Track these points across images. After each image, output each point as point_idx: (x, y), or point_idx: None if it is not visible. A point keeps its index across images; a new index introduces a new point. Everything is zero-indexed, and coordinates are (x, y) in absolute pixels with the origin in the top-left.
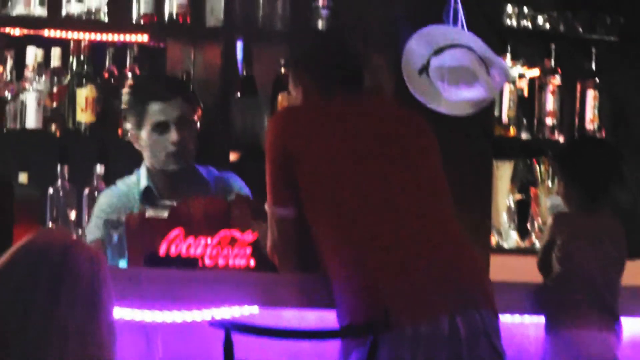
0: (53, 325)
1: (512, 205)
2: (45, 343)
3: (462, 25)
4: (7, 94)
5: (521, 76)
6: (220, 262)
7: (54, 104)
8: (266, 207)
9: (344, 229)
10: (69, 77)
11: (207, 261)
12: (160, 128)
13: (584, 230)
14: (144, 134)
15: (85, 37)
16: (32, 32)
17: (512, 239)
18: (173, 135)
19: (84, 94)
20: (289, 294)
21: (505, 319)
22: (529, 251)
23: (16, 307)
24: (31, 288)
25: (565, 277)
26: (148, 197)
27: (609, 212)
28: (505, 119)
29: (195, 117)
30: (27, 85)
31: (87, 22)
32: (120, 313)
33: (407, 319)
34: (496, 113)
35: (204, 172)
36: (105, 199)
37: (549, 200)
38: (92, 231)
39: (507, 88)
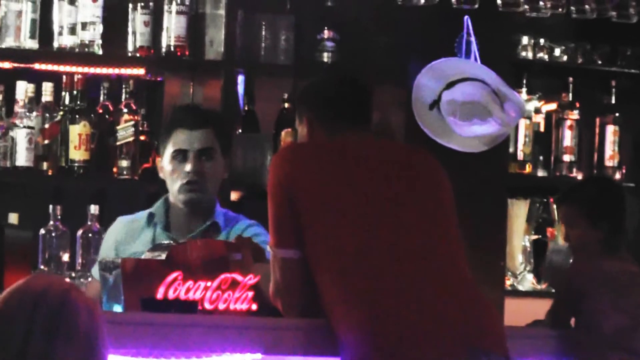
0: None
1: (528, 245)
2: None
3: (475, 58)
4: None
5: (537, 111)
6: (221, 306)
7: (46, 141)
8: (268, 248)
9: (348, 273)
10: (61, 112)
11: (207, 305)
12: (180, 156)
13: (611, 276)
14: (165, 161)
15: (79, 70)
16: (22, 65)
17: (528, 281)
18: (189, 164)
19: (78, 130)
20: (293, 340)
21: None
22: (546, 294)
23: (10, 352)
24: (26, 333)
25: (594, 327)
26: (150, 223)
27: (629, 255)
28: (520, 155)
29: (222, 152)
30: (17, 121)
31: (81, 55)
32: None
33: None
34: (511, 149)
35: (220, 215)
36: (111, 234)
37: (551, 245)
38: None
39: (523, 123)
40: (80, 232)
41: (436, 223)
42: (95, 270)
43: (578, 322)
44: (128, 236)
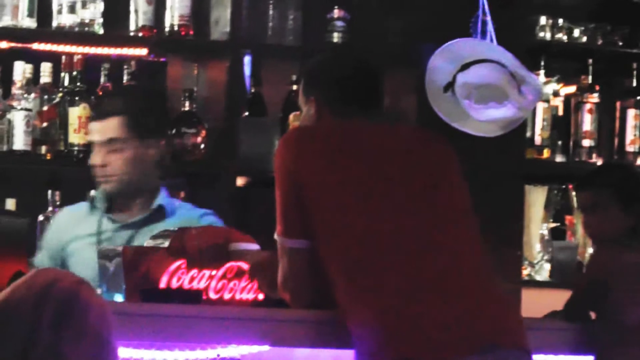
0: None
1: (546, 234)
2: None
3: (491, 39)
4: None
5: (556, 94)
6: (226, 295)
7: (44, 124)
8: (275, 237)
9: (361, 265)
10: (60, 94)
11: (212, 295)
12: (93, 148)
13: (634, 268)
14: None
15: (78, 50)
16: (20, 45)
17: (545, 270)
18: (95, 156)
19: (77, 113)
20: (301, 331)
21: (537, 358)
22: (564, 284)
23: (15, 346)
24: (31, 326)
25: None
26: (92, 208)
27: None
28: (538, 140)
29: (139, 137)
30: (14, 103)
31: (80, 34)
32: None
33: (431, 358)
34: (528, 134)
35: (167, 200)
36: (53, 223)
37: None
38: (40, 261)
39: (541, 107)
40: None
41: (452, 214)
42: (39, 259)
43: (598, 316)
44: (70, 222)
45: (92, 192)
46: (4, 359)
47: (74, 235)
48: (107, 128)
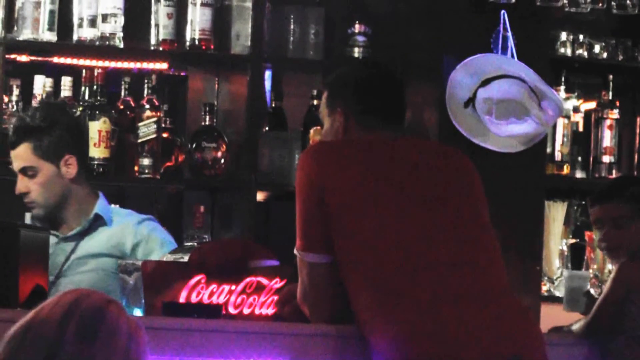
0: None
1: (565, 249)
2: None
3: (512, 54)
4: None
5: (576, 109)
6: (246, 310)
7: None
8: (295, 252)
9: (381, 280)
10: (80, 108)
11: (231, 310)
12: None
13: None
14: None
15: (99, 64)
16: (40, 59)
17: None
18: (17, 185)
19: (97, 126)
20: (321, 347)
21: None
22: None
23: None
24: (56, 340)
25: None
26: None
27: None
28: (558, 156)
29: (48, 160)
30: None
31: (101, 48)
32: None
33: None
34: (548, 150)
35: (105, 208)
36: None
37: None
38: None
39: (561, 122)
40: None
41: (472, 229)
42: None
43: (617, 331)
44: None
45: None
46: None
47: None
48: (19, 156)
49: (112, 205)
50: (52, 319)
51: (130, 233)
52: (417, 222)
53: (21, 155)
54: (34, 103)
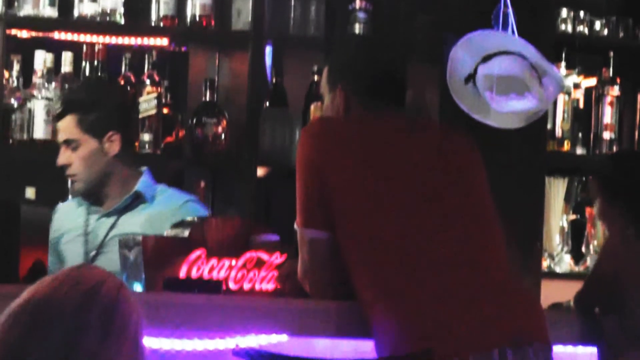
0: None
1: (566, 226)
2: None
3: (513, 31)
4: (14, 102)
5: (576, 86)
6: (246, 286)
7: None
8: (295, 227)
9: (383, 258)
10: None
11: (232, 285)
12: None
13: None
14: None
15: (100, 40)
16: (41, 34)
17: (565, 263)
18: (59, 157)
19: None
20: (321, 322)
21: (558, 349)
22: (584, 276)
23: (59, 344)
24: (77, 329)
25: (626, 307)
26: (80, 201)
27: None
28: (558, 132)
29: (92, 134)
30: (35, 92)
31: (102, 24)
32: None
33: (453, 352)
34: (549, 126)
35: (148, 186)
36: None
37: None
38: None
39: (561, 99)
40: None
41: (474, 210)
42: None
43: (608, 309)
44: (61, 218)
45: None
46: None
47: (65, 229)
48: (63, 128)
49: (159, 184)
50: (72, 301)
51: (170, 214)
52: (420, 204)
53: (65, 127)
54: (35, 79)
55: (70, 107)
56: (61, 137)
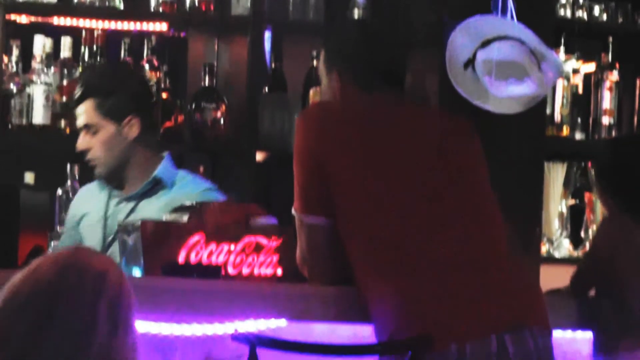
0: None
1: (565, 211)
2: None
3: (512, 16)
4: (13, 87)
5: (575, 71)
6: (245, 270)
7: (64, 99)
8: (293, 212)
9: (380, 243)
10: (80, 69)
11: (230, 270)
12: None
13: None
14: None
15: (99, 25)
16: (40, 19)
17: (564, 247)
18: (78, 142)
19: None
20: (319, 306)
21: (556, 334)
22: None
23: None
24: (91, 320)
25: (620, 292)
26: (102, 185)
27: None
28: (557, 117)
29: (111, 119)
30: (34, 77)
31: (101, 9)
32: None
33: (451, 337)
34: (548, 111)
35: (167, 172)
36: (72, 203)
37: None
38: (62, 242)
39: (560, 84)
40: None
41: (474, 195)
42: (62, 240)
43: (601, 293)
44: (82, 201)
45: None
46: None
47: (84, 212)
48: (82, 113)
49: (180, 170)
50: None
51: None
52: (418, 187)
53: (84, 112)
54: (34, 64)
55: (89, 91)
56: (80, 122)
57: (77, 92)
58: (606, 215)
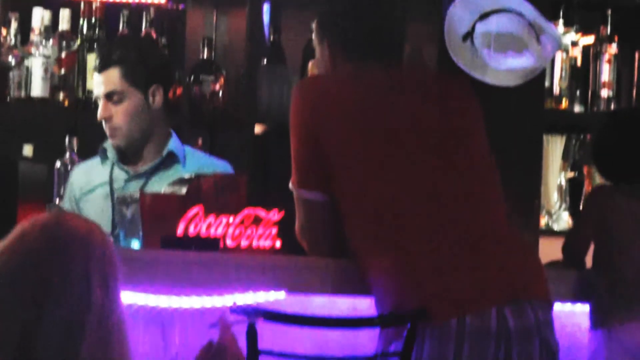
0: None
1: (564, 183)
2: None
3: None
4: (11, 60)
5: (574, 44)
6: (244, 243)
7: (62, 71)
8: (290, 187)
9: (379, 216)
10: (78, 41)
11: (229, 242)
12: (98, 101)
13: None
14: None
15: None
16: None
17: (563, 220)
18: (99, 110)
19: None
20: (318, 279)
21: (556, 307)
22: None
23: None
24: (86, 281)
25: (612, 264)
26: (104, 159)
27: None
28: (556, 90)
29: (137, 88)
30: (32, 50)
31: None
32: (134, 298)
33: (451, 310)
34: (547, 84)
35: (179, 147)
36: (70, 182)
37: None
38: None
39: (559, 57)
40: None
41: (473, 162)
42: None
43: (594, 263)
44: (83, 177)
45: (104, 144)
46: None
47: (88, 187)
48: (107, 80)
49: (186, 146)
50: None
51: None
52: (416, 157)
53: (109, 79)
54: (32, 36)
55: (115, 58)
56: (103, 90)
57: (101, 60)
58: (597, 185)
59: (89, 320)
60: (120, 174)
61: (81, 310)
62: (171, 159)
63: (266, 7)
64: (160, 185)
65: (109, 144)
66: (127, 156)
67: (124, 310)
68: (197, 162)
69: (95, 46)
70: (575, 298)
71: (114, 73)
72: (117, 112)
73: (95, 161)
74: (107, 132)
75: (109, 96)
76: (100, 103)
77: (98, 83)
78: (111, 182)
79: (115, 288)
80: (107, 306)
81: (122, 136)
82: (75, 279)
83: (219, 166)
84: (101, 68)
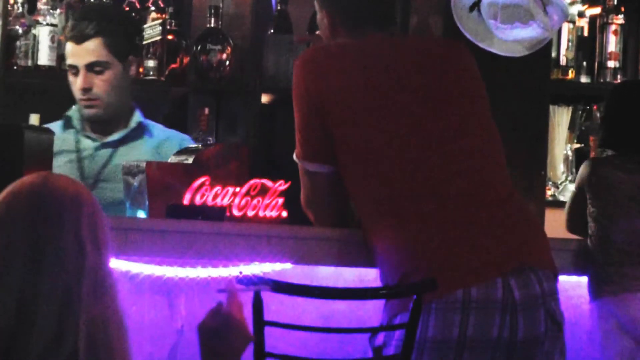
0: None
1: (570, 154)
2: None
3: None
4: (18, 29)
5: (581, 15)
6: (250, 213)
7: None
8: (295, 158)
9: (384, 186)
10: None
11: (235, 212)
12: (74, 70)
13: (626, 181)
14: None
15: None
16: None
17: (569, 191)
18: (79, 80)
19: None
20: (325, 250)
21: (561, 278)
22: None
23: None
24: (78, 243)
25: (604, 236)
26: (67, 127)
27: None
28: (563, 61)
29: (118, 59)
30: (40, 18)
31: None
32: (140, 268)
33: (457, 281)
34: (553, 54)
35: (147, 122)
36: None
37: None
38: None
39: (566, 27)
40: None
41: (475, 127)
42: None
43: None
44: None
45: (68, 112)
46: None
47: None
48: (89, 51)
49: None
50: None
51: (175, 147)
52: (419, 124)
53: (92, 49)
54: (39, 5)
55: (97, 29)
56: (85, 60)
57: (80, 30)
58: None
59: (85, 284)
60: (87, 143)
61: (76, 272)
62: (139, 130)
63: None
64: (129, 155)
65: (74, 112)
66: (98, 126)
67: (113, 271)
68: (162, 133)
69: (69, 16)
70: (574, 270)
71: (97, 43)
72: (98, 82)
73: (57, 126)
74: (84, 102)
75: (90, 66)
76: (81, 73)
77: (76, 53)
78: (78, 151)
79: (106, 248)
80: (100, 267)
81: (101, 107)
82: (68, 241)
83: (185, 138)
84: (82, 39)
